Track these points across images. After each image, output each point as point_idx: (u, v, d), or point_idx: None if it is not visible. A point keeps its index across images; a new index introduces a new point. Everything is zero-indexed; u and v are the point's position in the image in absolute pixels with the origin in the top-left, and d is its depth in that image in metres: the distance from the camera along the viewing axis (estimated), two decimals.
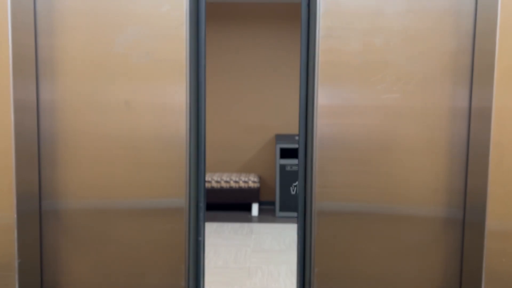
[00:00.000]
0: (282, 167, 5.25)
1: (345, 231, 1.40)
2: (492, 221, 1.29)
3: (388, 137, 1.38)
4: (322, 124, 1.37)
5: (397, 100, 1.37)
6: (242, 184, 5.33)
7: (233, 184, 5.33)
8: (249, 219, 5.18)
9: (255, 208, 5.39)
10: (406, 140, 1.38)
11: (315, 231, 1.39)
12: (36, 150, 1.36)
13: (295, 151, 5.36)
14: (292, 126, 5.76)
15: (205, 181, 1.50)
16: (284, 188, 5.26)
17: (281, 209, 5.28)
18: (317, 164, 1.38)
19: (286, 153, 5.33)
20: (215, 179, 5.35)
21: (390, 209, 1.40)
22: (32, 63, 1.33)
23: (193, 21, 1.41)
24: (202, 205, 1.51)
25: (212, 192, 5.33)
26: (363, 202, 1.40)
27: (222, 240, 4.33)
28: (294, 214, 5.27)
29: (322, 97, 1.36)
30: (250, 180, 5.35)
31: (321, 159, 1.37)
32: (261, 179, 5.80)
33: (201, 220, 1.51)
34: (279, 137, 5.50)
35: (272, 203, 5.74)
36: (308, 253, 1.44)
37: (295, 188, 5.25)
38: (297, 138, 5.44)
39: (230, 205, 5.64)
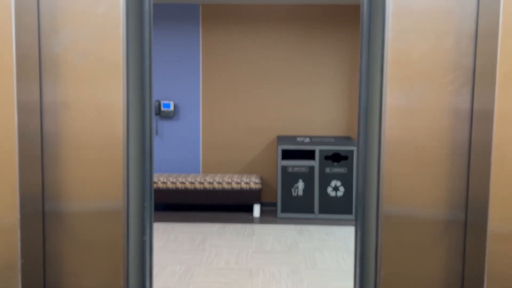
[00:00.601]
0: (284, 168, 5.25)
1: (411, 235, 1.37)
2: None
3: (456, 140, 1.35)
4: (390, 126, 1.32)
5: (467, 102, 1.35)
6: (243, 185, 5.34)
7: (234, 185, 5.34)
8: (251, 220, 5.18)
9: (256, 209, 5.39)
10: (476, 142, 1.34)
11: (382, 235, 1.35)
12: (39, 151, 1.36)
13: (296, 152, 5.36)
14: (293, 127, 5.76)
15: (151, 181, 1.50)
16: (286, 189, 5.26)
17: (283, 210, 5.28)
18: (385, 167, 1.34)
19: (288, 154, 5.33)
20: (216, 180, 5.35)
21: (456, 214, 1.36)
22: (36, 64, 1.34)
23: (134, 22, 1.41)
24: (148, 205, 1.51)
25: (213, 193, 5.34)
26: (430, 206, 1.36)
27: (223, 241, 4.33)
28: (296, 215, 5.27)
29: (391, 99, 1.33)
30: (251, 181, 5.35)
31: (389, 162, 1.33)
32: (262, 180, 5.80)
33: (146, 220, 1.51)
34: (280, 139, 5.50)
35: (274, 204, 5.74)
36: (372, 256, 1.42)
37: (296, 189, 5.25)
38: (298, 139, 5.44)
39: (231, 206, 5.64)
